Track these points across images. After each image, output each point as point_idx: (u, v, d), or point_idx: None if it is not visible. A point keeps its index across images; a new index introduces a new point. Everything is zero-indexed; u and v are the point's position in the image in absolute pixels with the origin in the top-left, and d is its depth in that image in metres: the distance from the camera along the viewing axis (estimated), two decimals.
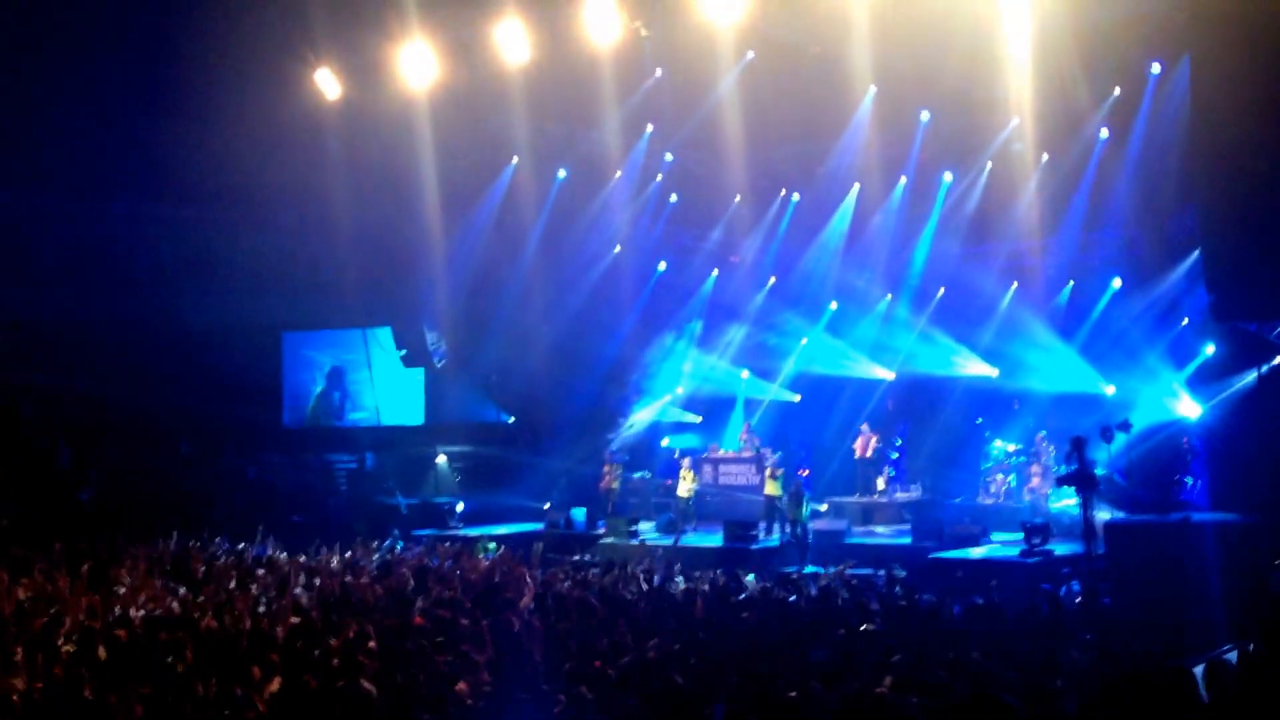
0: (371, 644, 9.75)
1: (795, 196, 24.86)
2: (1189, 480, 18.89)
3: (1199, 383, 19.06)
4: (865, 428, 22.97)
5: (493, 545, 19.83)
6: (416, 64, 19.36)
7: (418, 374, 27.13)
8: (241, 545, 18.88)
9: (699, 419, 26.78)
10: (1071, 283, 22.60)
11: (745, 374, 26.50)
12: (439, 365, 26.59)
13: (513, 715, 8.00)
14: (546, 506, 23.50)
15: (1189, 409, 19.39)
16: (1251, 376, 16.81)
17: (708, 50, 18.70)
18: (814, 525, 19.58)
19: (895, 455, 23.30)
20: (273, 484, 25.68)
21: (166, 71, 20.87)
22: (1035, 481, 20.40)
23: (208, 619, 11.50)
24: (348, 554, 18.26)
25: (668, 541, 20.09)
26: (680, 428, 26.86)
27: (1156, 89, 18.95)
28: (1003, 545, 17.90)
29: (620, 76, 19.64)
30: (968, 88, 19.43)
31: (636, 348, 26.74)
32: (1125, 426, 16.79)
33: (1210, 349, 18.92)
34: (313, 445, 27.63)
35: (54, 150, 22.19)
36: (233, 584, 14.55)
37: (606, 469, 23.35)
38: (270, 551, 18.23)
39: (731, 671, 8.63)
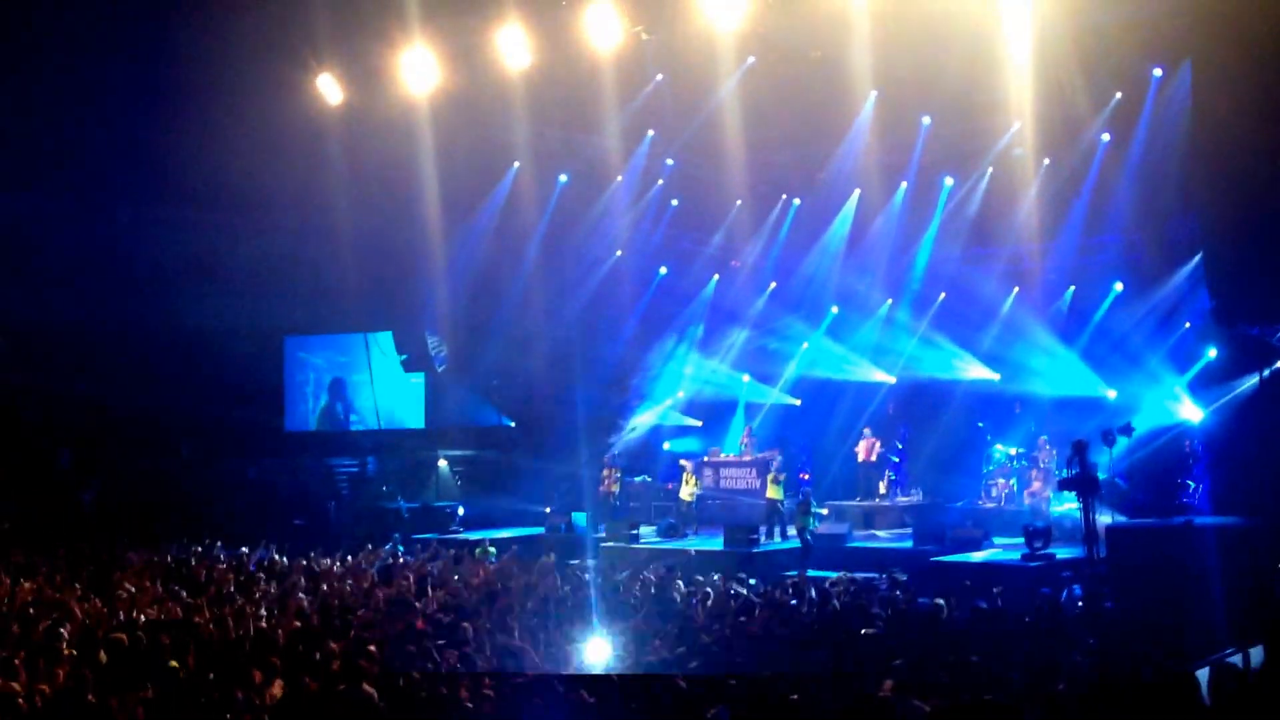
0: (372, 649, 9.75)
1: (796, 201, 24.87)
2: (1191, 484, 18.87)
3: (1201, 387, 19.07)
4: (867, 432, 22.96)
5: (493, 549, 19.81)
6: (418, 69, 19.39)
7: (418, 378, 27.15)
8: (243, 549, 18.90)
9: (700, 423, 26.78)
10: (1073, 287, 22.59)
11: (746, 378, 26.51)
12: (440, 370, 26.61)
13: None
14: (548, 510, 23.51)
15: (1191, 413, 19.38)
16: (1253, 380, 16.82)
17: (708, 55, 18.72)
18: (816, 530, 19.57)
19: (896, 459, 23.28)
20: (274, 488, 25.69)
21: (169, 76, 20.91)
22: (1036, 485, 20.38)
23: (209, 623, 11.50)
24: (349, 558, 18.29)
25: (669, 545, 20.08)
26: (681, 432, 26.87)
27: (1158, 94, 18.95)
28: (1004, 549, 17.88)
29: (621, 81, 19.65)
30: (969, 92, 19.43)
31: (637, 352, 26.77)
32: (1127, 430, 16.77)
33: (1212, 353, 18.94)
34: (314, 449, 27.65)
35: (57, 153, 22.25)
36: (234, 588, 14.56)
37: (606, 473, 23.36)
38: (272, 555, 18.24)
39: (733, 675, 8.63)
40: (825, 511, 21.53)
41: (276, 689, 8.61)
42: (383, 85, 20.01)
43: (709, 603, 12.87)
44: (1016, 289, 23.16)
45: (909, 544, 18.97)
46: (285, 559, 17.90)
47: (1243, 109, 13.74)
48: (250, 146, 20.76)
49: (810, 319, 25.47)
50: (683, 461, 22.93)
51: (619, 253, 25.92)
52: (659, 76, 20.51)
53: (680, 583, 14.72)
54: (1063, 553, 16.72)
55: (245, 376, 26.02)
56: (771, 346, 26.09)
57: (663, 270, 27.05)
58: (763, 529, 20.20)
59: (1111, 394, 21.16)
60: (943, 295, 24.04)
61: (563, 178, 24.46)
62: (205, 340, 24.95)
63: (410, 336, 26.82)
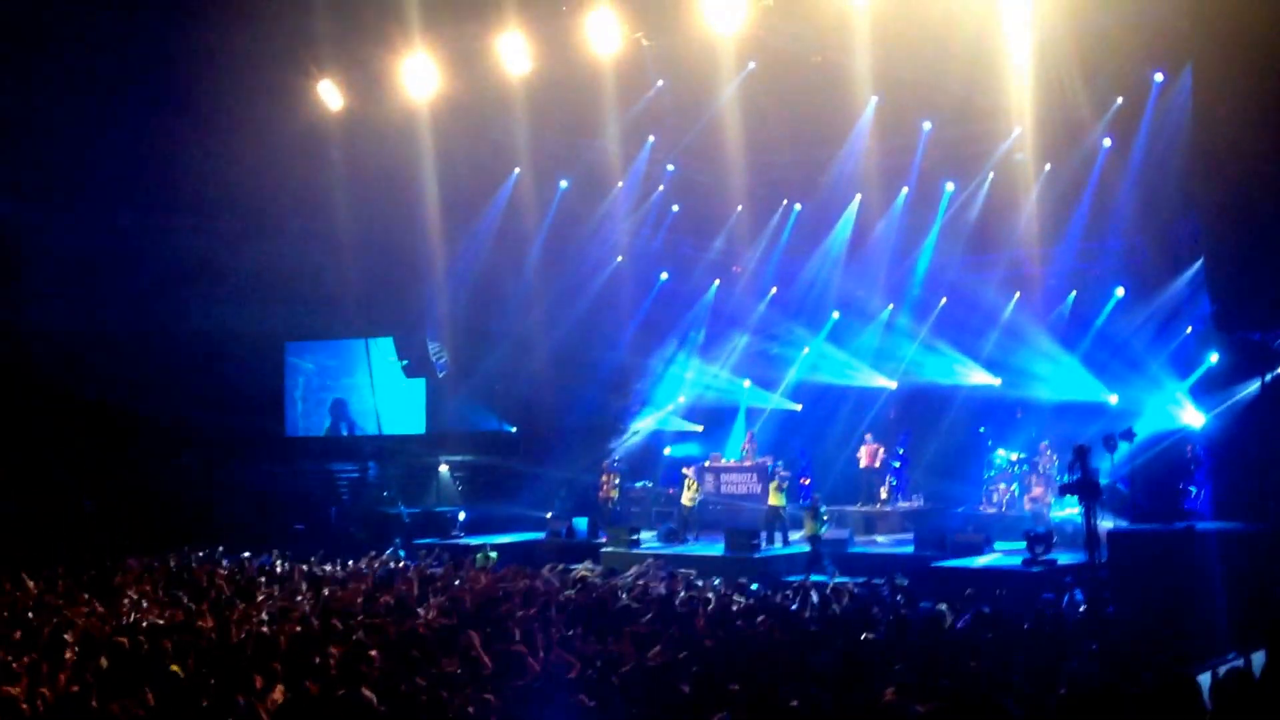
0: (373, 653, 9.74)
1: (797, 206, 24.89)
2: (1192, 489, 18.83)
3: (1202, 392, 19.02)
4: (869, 438, 22.97)
5: (495, 554, 19.82)
6: (418, 75, 19.39)
7: (419, 383, 27.15)
8: (245, 555, 18.91)
9: (700, 428, 26.78)
10: (1074, 292, 22.59)
11: (747, 383, 26.51)
12: (441, 376, 26.61)
13: None
14: (549, 516, 23.52)
15: (1192, 418, 19.35)
16: (1255, 385, 16.79)
17: (709, 60, 18.72)
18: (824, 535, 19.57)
19: (897, 464, 23.29)
20: (275, 493, 25.66)
21: (170, 82, 20.92)
22: (1038, 490, 20.36)
23: (210, 627, 11.49)
24: (350, 563, 18.29)
25: (670, 550, 20.08)
26: (682, 437, 26.86)
27: (1159, 98, 18.95)
28: (1005, 554, 17.86)
29: (622, 86, 19.64)
30: (969, 97, 19.44)
31: (638, 357, 26.79)
32: (1128, 435, 16.73)
33: (1213, 358, 18.90)
34: (315, 455, 27.65)
35: (57, 160, 22.23)
36: (235, 593, 14.56)
37: (605, 478, 23.37)
38: (273, 561, 18.24)
39: (735, 680, 8.61)
40: (825, 517, 21.53)
41: (277, 694, 8.60)
42: (383, 91, 20.00)
43: (710, 608, 12.86)
44: (1018, 294, 23.17)
45: (910, 549, 18.98)
46: (286, 564, 17.89)
47: (1244, 113, 13.73)
48: (251, 153, 20.76)
49: (811, 324, 25.51)
50: (685, 470, 22.94)
51: (620, 258, 25.94)
52: (659, 82, 20.52)
53: (681, 588, 14.73)
54: (1064, 558, 16.73)
55: (247, 382, 26.02)
56: (773, 352, 26.12)
57: (664, 275, 27.07)
58: (763, 534, 20.19)
59: (1113, 399, 21.16)
60: (944, 300, 24.05)
61: (563, 183, 24.47)
62: (207, 346, 24.94)
63: (411, 342, 26.82)
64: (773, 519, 20.54)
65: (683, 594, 14.08)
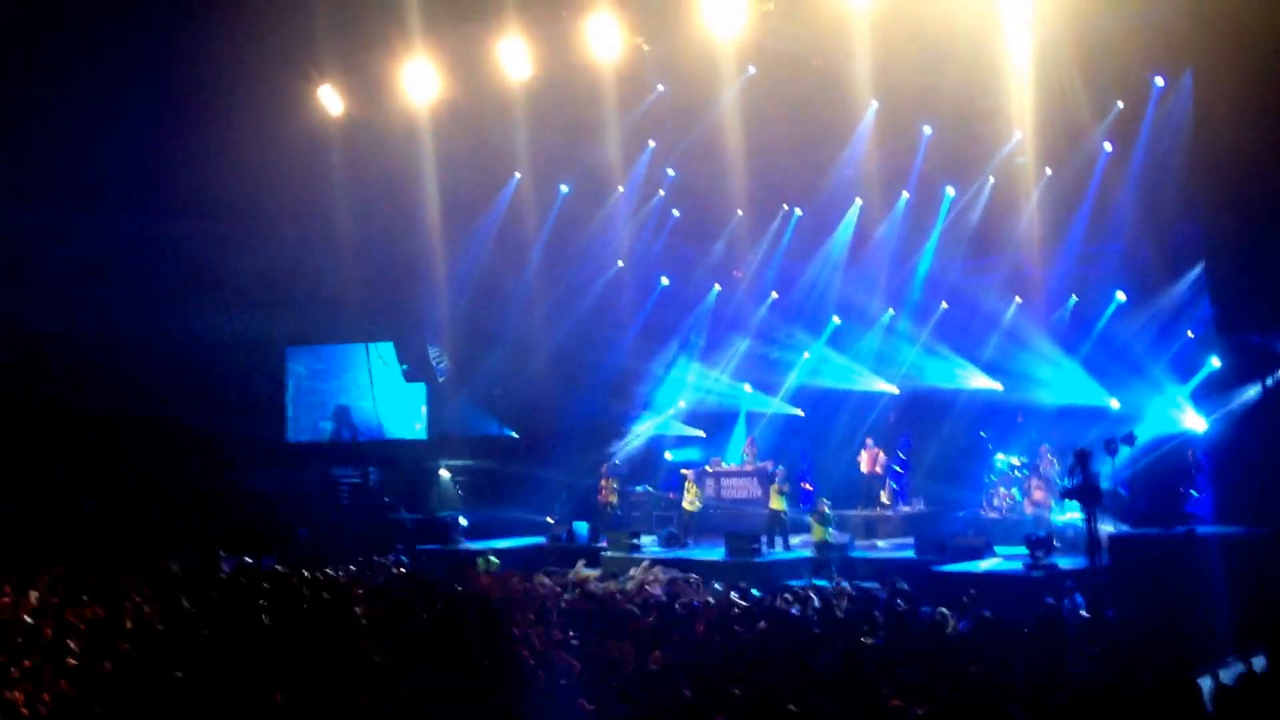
0: (374, 657, 9.75)
1: (797, 211, 24.87)
2: (1193, 493, 18.80)
3: (1203, 396, 19.02)
4: (870, 442, 22.93)
5: (496, 560, 19.81)
6: (419, 80, 19.42)
7: (420, 388, 27.14)
8: (246, 559, 18.87)
9: (701, 433, 26.77)
10: (1075, 296, 22.58)
11: (748, 388, 26.51)
12: (441, 380, 26.61)
13: None
14: (550, 520, 23.50)
15: (1193, 422, 19.33)
16: (1256, 389, 16.79)
17: (709, 64, 18.74)
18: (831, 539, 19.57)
19: (898, 469, 23.27)
20: (276, 498, 25.64)
21: (171, 86, 20.97)
22: (1039, 495, 20.33)
23: (211, 630, 11.49)
24: (352, 568, 18.27)
25: (670, 555, 20.05)
26: (682, 441, 26.85)
27: (1159, 102, 18.94)
28: (1006, 559, 17.84)
29: (622, 91, 19.68)
30: (970, 101, 19.44)
31: (639, 362, 26.75)
32: (1129, 439, 16.76)
33: (1214, 362, 18.90)
34: (316, 460, 27.63)
35: (58, 164, 22.26)
36: (237, 596, 14.54)
37: (604, 483, 23.34)
38: (275, 565, 18.22)
39: (736, 684, 8.61)
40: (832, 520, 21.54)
41: (279, 696, 8.61)
42: (384, 96, 20.05)
43: (710, 612, 12.85)
44: (1018, 298, 23.14)
45: (911, 554, 18.95)
46: (287, 569, 17.86)
47: (1244, 117, 13.75)
48: (252, 157, 20.78)
49: (812, 328, 25.47)
50: (684, 471, 22.92)
51: (620, 263, 25.93)
52: (660, 87, 20.55)
53: (682, 592, 14.73)
54: (1065, 562, 16.69)
55: (247, 387, 26.02)
56: (773, 356, 26.08)
57: (664, 280, 27.06)
58: (764, 539, 20.16)
59: (1114, 403, 21.13)
60: (944, 304, 24.03)
61: (564, 188, 24.50)
62: (207, 350, 24.94)
63: (411, 347, 26.82)
64: (774, 523, 20.51)
65: (683, 598, 14.07)
